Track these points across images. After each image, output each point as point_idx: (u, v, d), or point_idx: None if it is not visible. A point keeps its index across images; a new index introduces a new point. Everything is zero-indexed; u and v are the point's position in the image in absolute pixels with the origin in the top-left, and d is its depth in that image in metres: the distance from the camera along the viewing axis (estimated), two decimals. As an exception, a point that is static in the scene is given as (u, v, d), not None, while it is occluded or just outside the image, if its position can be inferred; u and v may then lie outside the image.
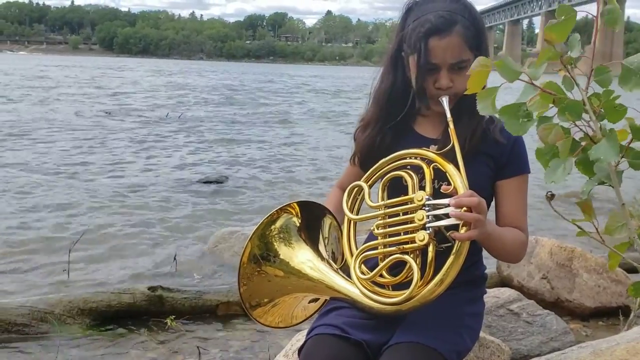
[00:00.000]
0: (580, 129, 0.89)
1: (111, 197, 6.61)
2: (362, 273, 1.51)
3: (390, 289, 1.49)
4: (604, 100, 0.88)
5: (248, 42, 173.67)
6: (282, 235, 1.62)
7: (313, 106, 21.27)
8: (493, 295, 2.67)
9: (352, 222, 1.62)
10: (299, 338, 2.11)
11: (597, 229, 1.00)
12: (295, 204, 1.66)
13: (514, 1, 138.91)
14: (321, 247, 1.66)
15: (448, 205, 1.41)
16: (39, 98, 19.23)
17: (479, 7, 1.74)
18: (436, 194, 1.49)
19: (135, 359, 2.97)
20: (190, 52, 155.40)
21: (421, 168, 1.55)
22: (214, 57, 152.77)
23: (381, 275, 1.49)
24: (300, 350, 1.59)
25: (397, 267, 1.48)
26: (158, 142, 11.09)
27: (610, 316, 3.40)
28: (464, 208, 1.40)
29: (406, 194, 1.52)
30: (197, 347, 3.03)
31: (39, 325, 3.09)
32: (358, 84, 36.27)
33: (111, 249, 4.83)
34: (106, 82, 30.63)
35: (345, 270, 1.59)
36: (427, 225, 1.43)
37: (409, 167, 1.58)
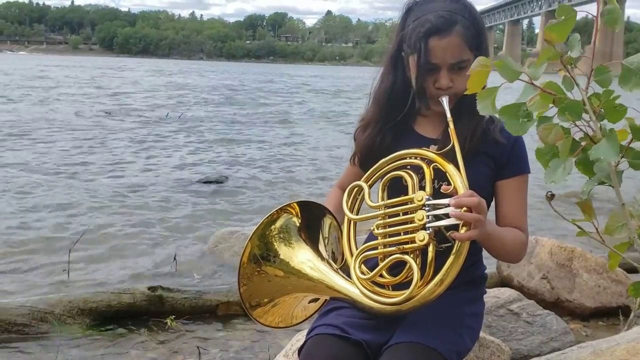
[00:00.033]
0: (580, 129, 0.89)
1: (111, 197, 6.61)
2: (362, 273, 1.51)
3: (390, 289, 1.49)
4: (604, 100, 0.88)
5: (248, 42, 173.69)
6: (282, 235, 1.62)
7: (313, 106, 21.27)
8: (493, 295, 2.67)
9: (352, 222, 1.62)
10: (299, 338, 2.11)
11: (597, 229, 1.00)
12: (295, 204, 1.66)
13: (514, 1, 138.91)
14: (321, 247, 1.66)
15: (448, 205, 1.41)
16: (39, 98, 19.23)
17: (478, 7, 1.74)
18: (436, 194, 1.49)
19: (136, 359, 2.97)
20: (190, 52, 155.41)
21: (421, 168, 1.55)
22: (214, 57, 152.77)
23: (381, 275, 1.49)
24: (300, 350, 1.59)
25: (397, 267, 1.48)
26: (158, 142, 11.09)
27: (610, 316, 3.40)
28: (464, 208, 1.40)
29: (406, 194, 1.52)
30: (197, 347, 3.03)
31: (39, 325, 3.09)
32: (358, 84, 36.27)
33: (111, 249, 4.83)
34: (106, 82, 30.63)
35: (345, 270, 1.59)
36: (427, 225, 1.43)
37: (409, 167, 1.58)
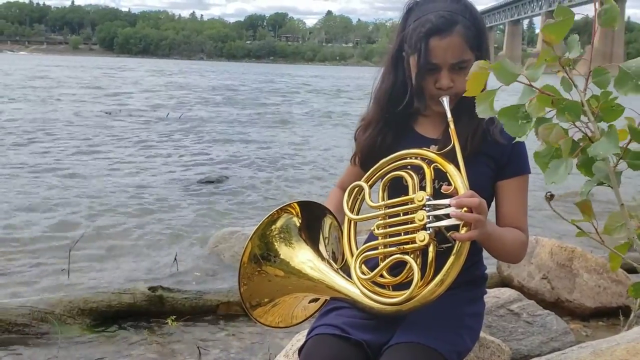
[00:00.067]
0: (580, 129, 0.89)
1: (111, 197, 6.61)
2: (363, 273, 1.51)
3: (391, 289, 1.49)
4: (602, 102, 0.88)
5: (248, 42, 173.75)
6: (282, 235, 1.62)
7: (313, 106, 21.26)
8: (493, 296, 2.68)
9: (352, 222, 1.62)
10: (299, 338, 2.11)
11: (596, 229, 1.00)
12: (295, 204, 1.66)
13: (514, 1, 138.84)
14: (321, 247, 1.66)
15: (448, 206, 1.41)
16: (39, 98, 19.23)
17: (479, 7, 1.74)
18: (436, 194, 1.49)
19: (136, 359, 2.97)
20: (190, 52, 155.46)
21: (422, 168, 1.56)
22: (214, 57, 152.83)
23: (381, 276, 1.49)
24: (300, 350, 1.59)
25: (397, 268, 1.48)
26: (158, 142, 11.10)
27: (610, 316, 3.40)
28: (465, 208, 1.40)
29: (406, 194, 1.52)
30: (198, 347, 3.03)
31: (40, 326, 3.09)
32: (358, 84, 36.29)
33: (111, 249, 4.83)
34: (106, 82, 30.64)
35: (345, 271, 1.59)
36: (428, 225, 1.43)
37: (409, 167, 1.59)
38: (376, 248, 1.53)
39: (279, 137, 12.67)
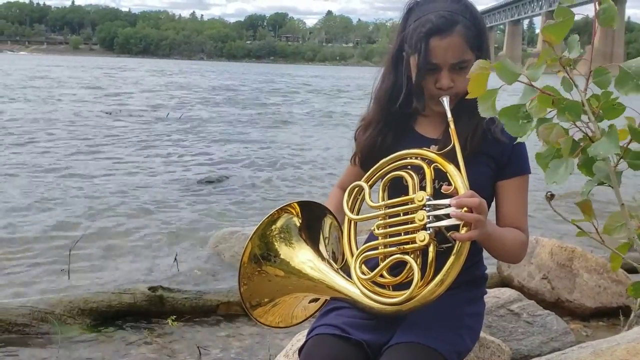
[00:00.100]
0: (580, 129, 0.89)
1: (111, 197, 6.61)
2: (363, 273, 1.51)
3: (391, 289, 1.49)
4: (603, 102, 0.88)
5: (249, 42, 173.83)
6: (282, 235, 1.62)
7: (314, 106, 21.26)
8: (493, 296, 2.67)
9: (352, 222, 1.62)
10: (300, 338, 2.11)
11: (596, 229, 1.00)
12: (295, 204, 1.66)
13: (514, 1, 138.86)
14: (322, 247, 1.66)
15: (449, 206, 1.41)
16: (40, 98, 19.24)
17: (479, 7, 1.74)
18: (437, 194, 1.49)
19: (136, 359, 2.97)
20: (190, 52, 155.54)
21: (422, 168, 1.55)
22: (214, 57, 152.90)
23: (382, 276, 1.49)
24: (300, 350, 1.59)
25: (397, 268, 1.48)
26: (159, 142, 11.10)
27: (610, 316, 3.40)
28: (465, 208, 1.40)
29: (407, 194, 1.52)
30: (198, 347, 3.03)
31: (40, 326, 3.09)
32: (359, 84, 36.29)
33: (111, 249, 4.83)
34: (107, 82, 30.64)
35: (345, 271, 1.59)
36: (428, 225, 1.43)
37: (409, 167, 1.59)
38: (376, 248, 1.53)
39: (279, 137, 12.67)
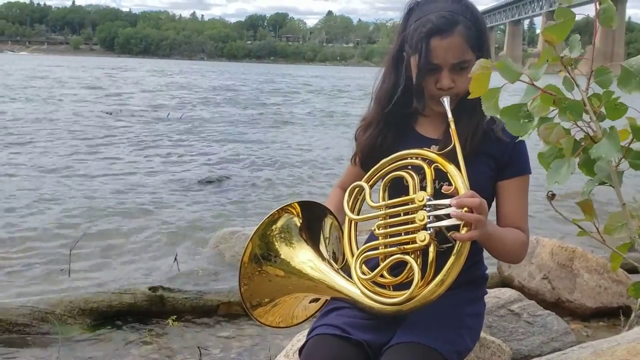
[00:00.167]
0: (581, 129, 0.89)
1: (112, 197, 6.61)
2: (363, 273, 1.51)
3: (391, 289, 1.49)
4: (604, 101, 0.88)
5: (249, 42, 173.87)
6: (283, 235, 1.62)
7: (314, 106, 21.27)
8: (494, 296, 2.67)
9: (353, 222, 1.62)
10: (300, 338, 2.11)
11: (597, 229, 1.00)
12: (296, 204, 1.66)
13: (515, 1, 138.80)
14: (322, 247, 1.66)
15: (449, 206, 1.41)
16: (40, 98, 19.24)
17: (479, 8, 1.74)
18: (437, 194, 1.49)
19: (136, 359, 2.97)
20: (191, 53, 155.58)
21: (422, 168, 1.55)
22: (215, 57, 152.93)
23: (382, 276, 1.49)
24: (301, 350, 1.59)
25: (398, 268, 1.48)
26: (159, 142, 11.10)
27: (611, 316, 3.40)
28: (465, 208, 1.39)
29: (407, 194, 1.52)
30: (198, 347, 3.03)
31: (40, 326, 3.10)
32: (359, 84, 36.28)
33: (112, 249, 4.83)
34: (107, 82, 30.66)
35: (346, 271, 1.59)
36: (428, 225, 1.43)
37: (410, 167, 1.58)
38: (377, 248, 1.53)
39: (280, 137, 12.68)
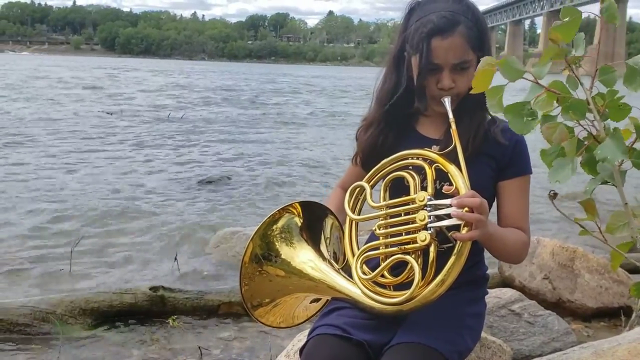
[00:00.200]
0: (585, 128, 0.89)
1: (113, 197, 6.61)
2: (364, 273, 1.51)
3: (392, 289, 1.49)
4: (608, 100, 0.88)
5: (250, 42, 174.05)
6: (283, 235, 1.62)
7: (315, 106, 21.27)
8: (494, 296, 2.67)
9: (353, 222, 1.62)
10: (301, 338, 2.11)
11: (599, 228, 1.00)
12: (297, 204, 1.66)
13: (515, 1, 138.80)
14: (323, 247, 1.65)
15: (450, 206, 1.41)
16: (41, 98, 19.26)
17: (480, 8, 1.73)
18: (438, 194, 1.49)
19: (137, 359, 2.97)
20: (192, 53, 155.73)
21: (423, 168, 1.55)
22: (215, 57, 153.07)
23: (382, 276, 1.49)
24: (301, 350, 1.59)
25: (398, 268, 1.48)
26: (160, 143, 11.11)
27: (612, 317, 3.40)
28: (466, 208, 1.39)
29: (408, 194, 1.51)
30: (199, 347, 3.03)
31: (41, 325, 3.10)
32: (360, 84, 36.28)
33: (113, 249, 4.83)
34: (108, 82, 30.67)
35: (346, 271, 1.59)
36: (429, 225, 1.43)
37: (410, 167, 1.58)
38: (377, 248, 1.53)
39: (281, 137, 12.67)
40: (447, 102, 1.59)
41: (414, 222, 1.45)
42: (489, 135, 1.68)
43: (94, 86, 26.59)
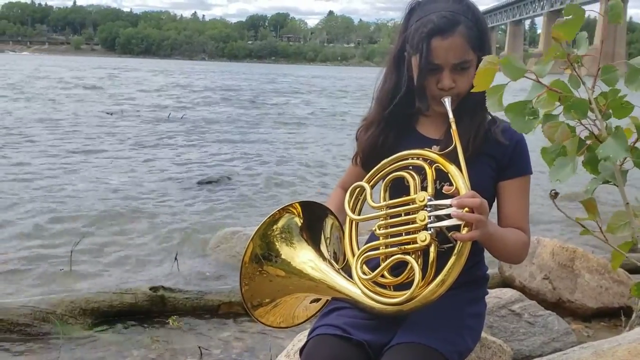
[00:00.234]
0: (586, 128, 0.89)
1: (113, 197, 6.61)
2: (364, 273, 1.51)
3: (392, 289, 1.49)
4: (610, 99, 0.88)
5: (250, 42, 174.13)
6: (283, 235, 1.62)
7: (316, 106, 21.27)
8: (495, 296, 2.67)
9: (353, 222, 1.62)
10: (301, 338, 2.11)
11: (600, 227, 1.00)
12: (297, 204, 1.66)
13: (516, 1, 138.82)
14: (323, 247, 1.65)
15: (450, 206, 1.41)
16: (40, 98, 19.26)
17: (481, 8, 1.73)
18: (438, 194, 1.49)
19: (137, 359, 2.97)
20: (192, 53, 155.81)
21: (423, 169, 1.55)
22: (216, 57, 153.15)
23: (383, 276, 1.49)
24: (301, 350, 1.59)
25: (398, 268, 1.48)
26: (160, 143, 11.10)
27: (612, 317, 3.40)
28: (466, 209, 1.39)
29: (408, 194, 1.51)
30: (199, 347, 3.03)
31: (41, 326, 3.09)
32: (360, 84, 36.29)
33: (113, 249, 4.83)
34: (108, 82, 30.68)
35: (346, 271, 1.59)
36: (429, 225, 1.43)
37: (411, 167, 1.58)
38: (377, 248, 1.53)
39: (281, 137, 12.67)
40: (447, 102, 1.59)
41: (414, 222, 1.45)
42: (489, 135, 1.68)
43: (94, 86, 26.59)
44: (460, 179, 1.47)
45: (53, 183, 7.20)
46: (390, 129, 1.75)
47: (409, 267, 1.45)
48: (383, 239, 1.51)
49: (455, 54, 1.60)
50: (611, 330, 3.22)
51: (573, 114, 0.87)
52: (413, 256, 1.45)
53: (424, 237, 1.42)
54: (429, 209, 1.44)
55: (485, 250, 1.69)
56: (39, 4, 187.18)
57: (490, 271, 1.90)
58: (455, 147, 1.52)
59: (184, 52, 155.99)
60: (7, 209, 5.86)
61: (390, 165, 1.61)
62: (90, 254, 4.65)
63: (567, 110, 0.88)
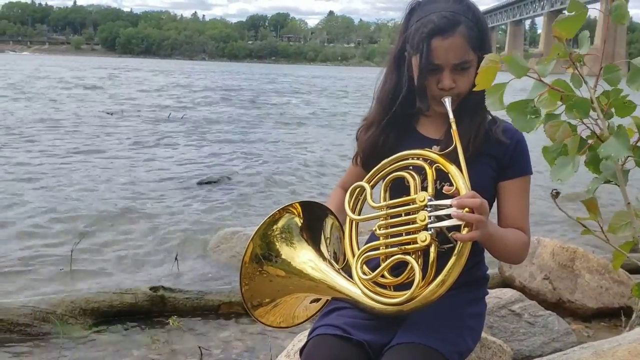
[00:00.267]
0: (588, 127, 0.89)
1: (113, 197, 6.61)
2: (364, 273, 1.51)
3: (392, 289, 1.49)
4: (613, 99, 0.87)
5: (250, 42, 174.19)
6: (284, 235, 1.61)
7: (316, 106, 21.27)
8: (495, 296, 2.67)
9: (354, 222, 1.62)
10: (301, 338, 2.11)
11: (601, 227, 1.00)
12: (297, 204, 1.66)
13: (516, 1, 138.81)
14: (323, 247, 1.65)
15: (450, 206, 1.41)
16: (41, 98, 19.26)
17: (481, 8, 1.73)
18: (438, 194, 1.49)
19: (137, 359, 2.97)
20: (192, 53, 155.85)
21: (423, 169, 1.55)
22: (216, 57, 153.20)
23: (383, 276, 1.49)
24: (301, 350, 1.59)
25: (398, 268, 1.48)
26: (160, 143, 11.10)
27: (612, 317, 3.40)
28: (466, 209, 1.39)
29: (408, 194, 1.51)
30: (199, 347, 3.03)
31: (41, 326, 3.09)
32: (360, 84, 36.29)
33: (113, 250, 4.83)
34: (108, 82, 30.68)
35: (346, 271, 1.59)
36: (429, 225, 1.42)
37: (411, 167, 1.58)
38: (377, 248, 1.52)
39: (281, 137, 12.67)
40: (447, 102, 1.59)
41: (414, 222, 1.45)
42: (489, 135, 1.68)
43: (95, 86, 26.60)
44: (460, 179, 1.46)
45: (53, 183, 7.20)
46: (390, 129, 1.75)
47: (409, 267, 1.45)
48: (383, 239, 1.51)
49: (456, 54, 1.60)
50: (611, 331, 3.22)
51: (575, 113, 0.87)
52: (413, 256, 1.45)
53: (424, 237, 1.41)
54: (429, 209, 1.44)
55: (486, 250, 1.69)
56: (39, 4, 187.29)
57: (490, 271, 1.90)
58: (455, 147, 1.52)
59: (184, 52, 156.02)
60: (7, 209, 5.86)
61: (390, 165, 1.61)
62: (90, 253, 4.65)
63: (569, 109, 0.87)
